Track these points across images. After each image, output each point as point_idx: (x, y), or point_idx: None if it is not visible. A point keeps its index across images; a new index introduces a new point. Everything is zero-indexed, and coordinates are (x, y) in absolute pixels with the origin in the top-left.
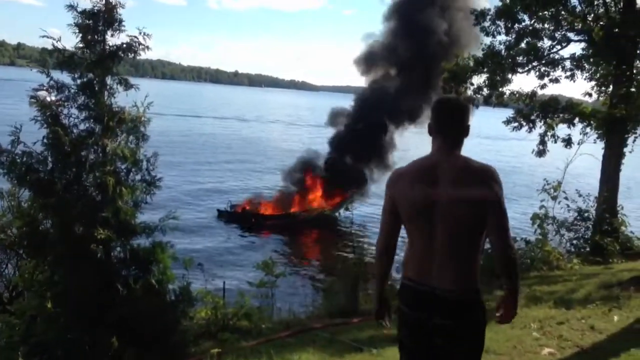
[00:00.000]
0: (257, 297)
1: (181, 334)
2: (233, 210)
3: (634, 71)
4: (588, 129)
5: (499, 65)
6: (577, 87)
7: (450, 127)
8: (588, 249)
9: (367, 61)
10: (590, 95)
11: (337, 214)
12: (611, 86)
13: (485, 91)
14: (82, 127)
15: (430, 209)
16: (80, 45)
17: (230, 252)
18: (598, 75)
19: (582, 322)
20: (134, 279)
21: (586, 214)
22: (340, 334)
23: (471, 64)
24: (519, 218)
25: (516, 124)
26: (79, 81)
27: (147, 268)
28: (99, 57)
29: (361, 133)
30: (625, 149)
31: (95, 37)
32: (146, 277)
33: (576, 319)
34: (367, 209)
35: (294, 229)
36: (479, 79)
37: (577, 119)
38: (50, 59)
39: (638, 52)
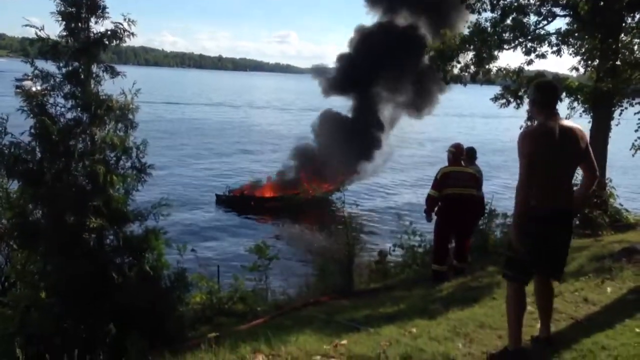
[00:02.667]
0: (252, 280)
1: (177, 319)
2: (231, 194)
3: (620, 45)
4: (575, 104)
5: (485, 42)
6: (564, 62)
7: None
8: (577, 222)
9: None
10: (577, 69)
11: (330, 196)
12: (597, 60)
13: (472, 69)
14: (69, 116)
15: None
16: (64, 33)
17: (227, 236)
18: (584, 49)
19: (575, 294)
20: (128, 266)
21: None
22: (336, 314)
23: (457, 41)
24: (510, 193)
25: (504, 101)
26: (64, 70)
27: (141, 255)
28: (83, 44)
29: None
30: (612, 122)
31: (79, 24)
32: (140, 264)
33: (569, 292)
34: (358, 188)
35: (292, 211)
36: (465, 57)
37: (564, 94)
38: (32, 48)
39: (623, 25)
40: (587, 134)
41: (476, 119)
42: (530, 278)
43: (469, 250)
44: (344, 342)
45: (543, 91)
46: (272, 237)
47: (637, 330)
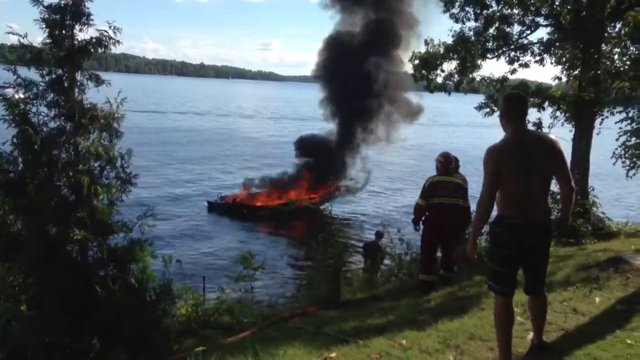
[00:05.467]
0: (237, 291)
1: (163, 332)
2: (223, 202)
3: (601, 54)
4: (558, 113)
5: (469, 52)
6: (547, 72)
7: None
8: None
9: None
10: (559, 79)
11: (321, 206)
12: (579, 69)
13: (456, 77)
14: (52, 125)
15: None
16: (48, 40)
17: (216, 245)
18: (565, 59)
19: (564, 304)
20: (112, 279)
21: (558, 197)
22: (324, 325)
23: (441, 50)
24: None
25: (487, 109)
26: (47, 78)
27: (125, 267)
28: (67, 52)
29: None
30: (594, 131)
31: (63, 32)
32: (125, 276)
33: (558, 302)
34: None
35: (283, 220)
36: (449, 66)
37: (547, 103)
38: (10, 55)
39: (605, 35)
40: (565, 143)
41: (463, 128)
42: (514, 290)
43: (455, 259)
44: (333, 354)
45: (510, 103)
46: (262, 246)
47: (629, 341)
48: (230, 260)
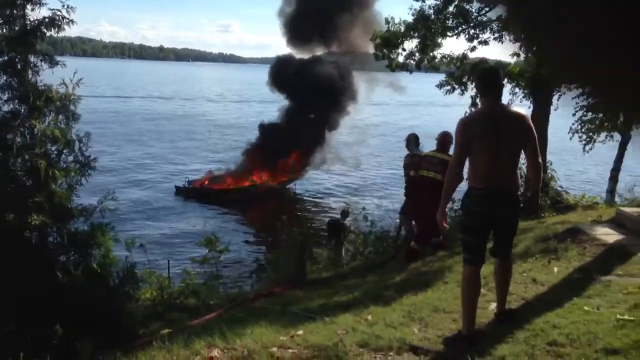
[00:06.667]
0: (202, 274)
1: (128, 316)
2: (191, 186)
3: None
4: (517, 89)
5: (429, 30)
6: (506, 49)
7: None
8: (521, 205)
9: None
10: (518, 55)
11: (287, 186)
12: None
13: (417, 56)
14: (5, 108)
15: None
16: None
17: (183, 228)
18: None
19: (524, 275)
20: (74, 264)
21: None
22: (290, 304)
23: (402, 29)
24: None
25: (448, 87)
26: None
27: (87, 252)
28: (19, 33)
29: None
30: (551, 107)
31: (14, 11)
32: (87, 261)
33: (518, 273)
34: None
35: (250, 202)
36: (410, 44)
37: (506, 80)
38: None
39: None
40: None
41: (433, 108)
42: (483, 260)
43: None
44: (300, 332)
45: (482, 77)
46: (228, 229)
47: (586, 308)
48: (195, 243)
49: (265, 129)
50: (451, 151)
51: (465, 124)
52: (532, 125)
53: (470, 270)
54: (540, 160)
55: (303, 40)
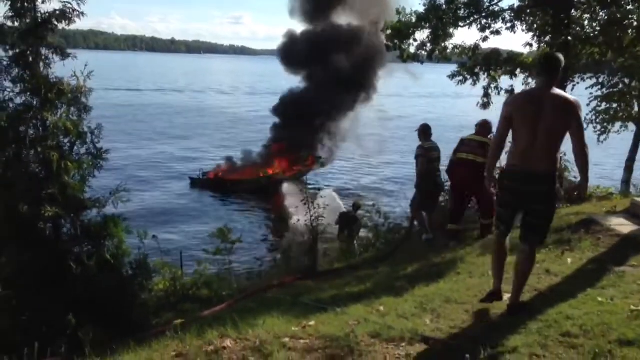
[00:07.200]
0: (215, 265)
1: (141, 307)
2: (205, 177)
3: (571, 20)
4: (530, 79)
5: (440, 20)
6: (518, 39)
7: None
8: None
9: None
10: (530, 45)
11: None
12: (549, 36)
13: (429, 46)
14: (18, 101)
15: None
16: (10, 14)
17: (197, 219)
18: (536, 25)
19: (537, 266)
20: (87, 255)
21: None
22: (302, 295)
23: (413, 19)
24: None
25: (460, 78)
26: (11, 52)
27: (100, 243)
28: (31, 25)
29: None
30: None
31: (25, 4)
32: (100, 252)
33: None
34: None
35: (263, 193)
36: (422, 35)
37: (518, 70)
38: None
39: (574, 0)
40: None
41: (445, 99)
42: (508, 230)
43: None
44: (312, 323)
45: (542, 59)
46: (241, 220)
47: (600, 299)
48: (207, 235)
49: (288, 101)
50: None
51: (511, 100)
52: (579, 112)
53: (497, 235)
54: (585, 147)
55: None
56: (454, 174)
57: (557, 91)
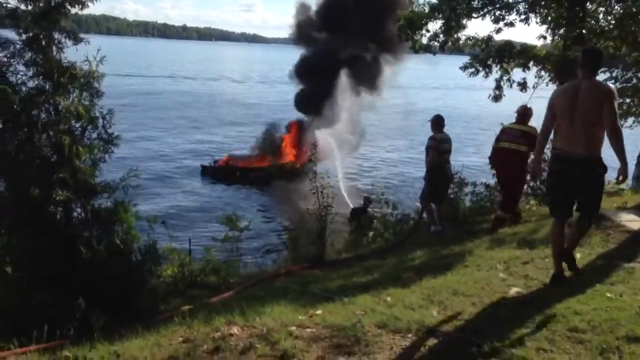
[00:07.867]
0: (223, 252)
1: (149, 292)
2: (216, 165)
3: (586, 13)
4: (543, 72)
5: (454, 11)
6: (532, 31)
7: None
8: (544, 190)
9: None
10: (544, 38)
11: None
12: (564, 28)
13: (441, 37)
14: (30, 84)
15: None
16: None
17: (208, 207)
18: (551, 18)
19: (545, 261)
20: (97, 240)
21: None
22: (309, 284)
23: (426, 10)
24: (482, 162)
25: (472, 70)
26: (24, 36)
27: (110, 228)
28: (44, 9)
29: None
30: None
31: None
32: (110, 237)
33: (540, 258)
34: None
35: (275, 181)
36: (434, 26)
37: (531, 63)
38: None
39: None
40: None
41: (457, 91)
42: (565, 214)
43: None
44: (319, 312)
45: (583, 54)
46: (251, 207)
47: (608, 295)
48: (216, 222)
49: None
50: (531, 123)
51: (555, 92)
52: (610, 96)
53: (553, 222)
54: (615, 130)
55: None
56: (497, 162)
57: (593, 80)
